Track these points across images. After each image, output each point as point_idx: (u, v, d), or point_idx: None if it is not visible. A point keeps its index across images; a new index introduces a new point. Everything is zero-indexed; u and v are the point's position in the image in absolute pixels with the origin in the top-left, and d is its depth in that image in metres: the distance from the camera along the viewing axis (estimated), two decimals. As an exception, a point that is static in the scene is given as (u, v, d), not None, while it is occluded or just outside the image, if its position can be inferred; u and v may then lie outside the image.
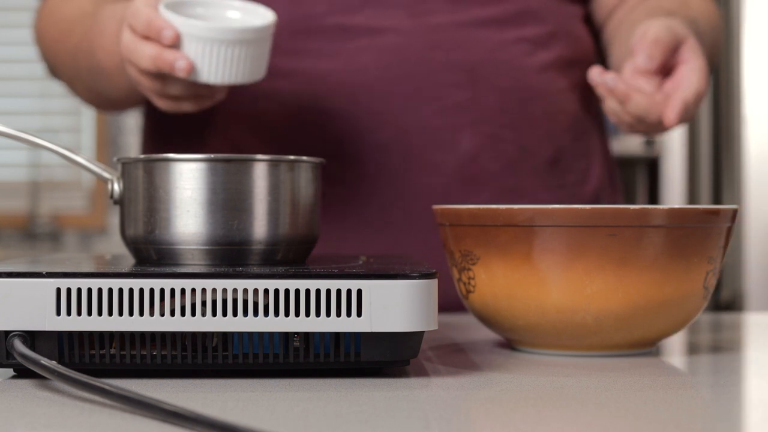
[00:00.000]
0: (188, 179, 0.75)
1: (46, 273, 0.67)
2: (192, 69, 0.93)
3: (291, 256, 0.77)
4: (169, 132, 1.17)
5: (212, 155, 0.75)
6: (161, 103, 0.99)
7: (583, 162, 1.18)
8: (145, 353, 0.68)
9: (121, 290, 0.66)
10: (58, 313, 0.66)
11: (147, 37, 0.94)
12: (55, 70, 1.19)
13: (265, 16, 0.96)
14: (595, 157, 1.20)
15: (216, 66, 0.93)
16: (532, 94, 1.13)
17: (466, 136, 1.11)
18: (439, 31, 1.11)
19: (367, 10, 1.10)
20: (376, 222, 1.11)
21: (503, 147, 1.13)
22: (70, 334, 0.67)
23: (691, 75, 1.00)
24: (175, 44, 0.93)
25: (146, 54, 0.93)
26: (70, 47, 1.12)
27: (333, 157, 1.07)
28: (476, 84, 1.11)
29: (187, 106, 0.99)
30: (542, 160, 1.15)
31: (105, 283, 0.66)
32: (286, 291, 0.67)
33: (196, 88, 0.97)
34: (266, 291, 0.67)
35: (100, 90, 1.12)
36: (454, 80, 1.11)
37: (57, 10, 1.16)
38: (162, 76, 0.95)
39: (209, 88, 0.97)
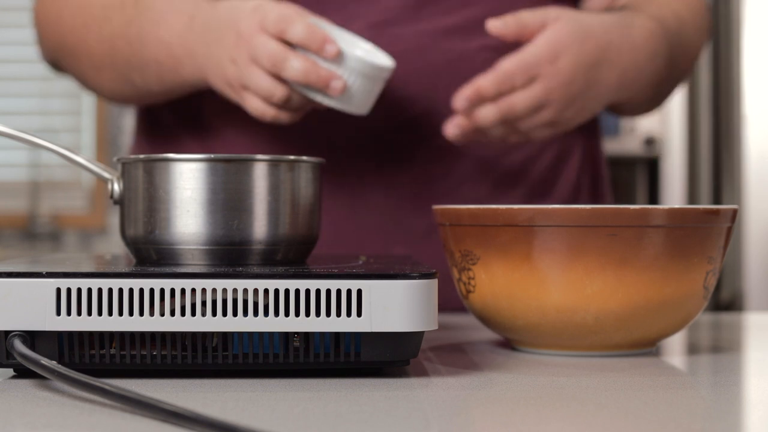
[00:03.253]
0: (188, 179, 0.75)
1: (46, 273, 0.67)
2: (345, 91, 0.95)
3: (291, 256, 0.77)
4: (163, 139, 1.17)
5: (212, 155, 0.75)
6: (263, 109, 0.99)
7: (552, 171, 1.16)
8: (145, 353, 0.68)
9: (121, 290, 0.66)
10: (58, 313, 0.66)
11: (300, 46, 0.95)
12: (67, 57, 1.14)
13: (385, 60, 1.00)
14: (570, 162, 1.17)
15: (360, 96, 0.97)
16: None
17: (420, 151, 1.10)
18: (399, 41, 1.09)
19: (327, 21, 1.09)
20: (327, 240, 1.09)
21: (461, 161, 1.11)
22: (70, 334, 0.67)
23: (508, 57, 1.00)
24: (334, 60, 0.94)
25: (297, 65, 0.94)
26: (104, 35, 1.08)
27: None
28: (435, 96, 1.10)
29: (284, 117, 0.99)
30: (503, 171, 1.13)
31: (105, 283, 0.66)
32: (286, 291, 0.67)
33: (310, 103, 0.98)
34: (266, 291, 0.67)
35: (139, 82, 1.09)
36: (411, 93, 1.10)
37: None
38: (291, 89, 0.96)
39: (314, 103, 0.99)
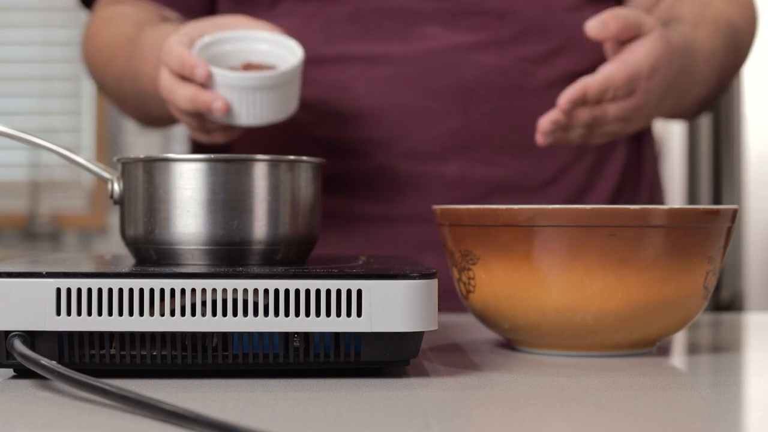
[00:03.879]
0: (188, 179, 0.75)
1: (46, 273, 0.67)
2: (228, 109, 0.95)
3: (291, 256, 0.77)
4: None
5: (212, 155, 0.75)
6: (195, 134, 1.03)
7: (587, 180, 1.15)
8: (145, 353, 0.68)
9: (121, 290, 0.66)
10: (58, 313, 0.66)
11: (182, 77, 0.96)
12: (103, 90, 1.22)
13: (294, 52, 0.98)
14: (607, 172, 1.16)
15: (250, 109, 0.96)
16: (529, 115, 1.10)
17: (454, 162, 1.10)
18: (433, 56, 1.09)
19: (364, 39, 1.10)
20: (362, 246, 1.11)
21: (493, 172, 1.11)
22: (70, 334, 0.67)
23: (612, 62, 0.98)
24: (209, 81, 0.95)
25: (184, 95, 0.96)
26: (115, 71, 1.14)
27: (323, 182, 1.07)
28: (469, 109, 1.10)
29: (218, 137, 1.02)
30: (537, 181, 1.13)
31: (105, 283, 0.66)
32: (286, 291, 0.67)
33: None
34: (266, 291, 0.67)
35: (147, 112, 1.15)
36: (446, 107, 1.09)
37: (101, 33, 1.18)
38: (199, 114, 0.98)
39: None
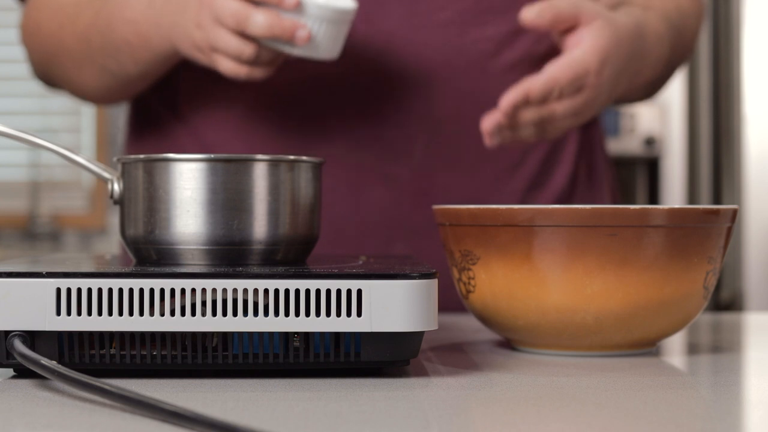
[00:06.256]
0: (188, 179, 0.75)
1: (46, 273, 0.67)
2: (310, 40, 0.95)
3: (291, 256, 0.77)
4: (144, 133, 1.17)
5: (212, 155, 0.75)
6: (235, 68, 0.99)
7: (548, 161, 1.15)
8: (145, 353, 0.68)
9: (121, 290, 0.66)
10: (58, 313, 0.66)
11: (259, 2, 0.95)
12: (51, 64, 1.16)
13: (347, 2, 1.00)
14: (566, 151, 1.17)
15: (326, 42, 0.97)
16: (493, 97, 1.10)
17: (420, 146, 1.10)
18: (396, 36, 1.09)
19: None
20: (327, 236, 1.10)
21: (460, 155, 1.11)
22: (70, 334, 0.67)
23: (558, 61, 0.99)
24: (296, 10, 0.95)
25: (262, 20, 0.95)
26: (78, 30, 1.11)
27: None
28: (433, 91, 1.09)
29: (258, 73, 1.00)
30: (503, 165, 1.13)
31: (105, 283, 0.66)
32: (286, 291, 0.67)
33: (279, 55, 0.99)
34: (266, 291, 0.67)
35: (116, 68, 1.10)
36: (409, 88, 1.09)
37: (53, 1, 1.15)
38: (255, 43, 0.96)
39: (284, 56, 0.99)
